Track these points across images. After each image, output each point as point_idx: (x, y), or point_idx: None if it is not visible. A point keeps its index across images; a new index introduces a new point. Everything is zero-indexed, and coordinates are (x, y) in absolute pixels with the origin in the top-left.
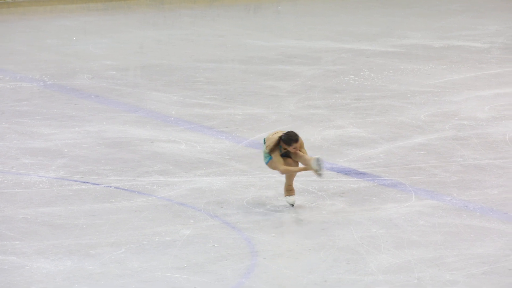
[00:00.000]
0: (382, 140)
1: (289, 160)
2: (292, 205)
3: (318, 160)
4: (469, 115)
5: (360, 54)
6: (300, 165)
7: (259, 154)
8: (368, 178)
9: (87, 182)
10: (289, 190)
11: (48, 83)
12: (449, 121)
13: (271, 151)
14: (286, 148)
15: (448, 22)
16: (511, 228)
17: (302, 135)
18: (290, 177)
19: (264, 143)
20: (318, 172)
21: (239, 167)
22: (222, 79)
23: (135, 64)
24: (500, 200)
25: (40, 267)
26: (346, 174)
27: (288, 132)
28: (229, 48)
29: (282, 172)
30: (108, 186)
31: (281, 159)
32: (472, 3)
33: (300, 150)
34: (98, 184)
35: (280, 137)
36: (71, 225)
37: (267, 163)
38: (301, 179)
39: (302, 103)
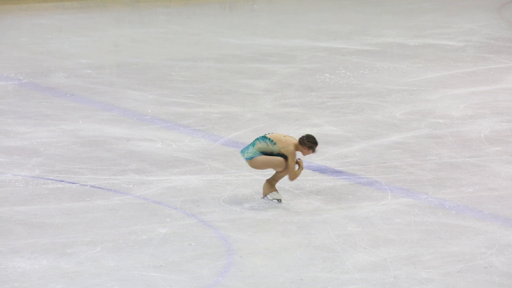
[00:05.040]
0: (358, 139)
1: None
2: (280, 200)
3: None
4: (444, 113)
5: (335, 52)
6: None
7: (236, 152)
8: (344, 177)
9: (62, 181)
10: (274, 186)
11: (23, 81)
12: (425, 119)
13: (290, 154)
14: (304, 151)
15: (422, 20)
16: (487, 226)
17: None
18: (280, 177)
19: (264, 140)
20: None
21: (215, 165)
22: (198, 77)
23: (111, 63)
24: (476, 198)
25: (16, 266)
26: (322, 172)
27: (308, 135)
28: (204, 47)
29: (293, 178)
30: (84, 185)
31: (294, 165)
32: (444, 1)
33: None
34: (74, 183)
35: (303, 140)
36: (46, 224)
37: (250, 158)
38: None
39: (278, 101)
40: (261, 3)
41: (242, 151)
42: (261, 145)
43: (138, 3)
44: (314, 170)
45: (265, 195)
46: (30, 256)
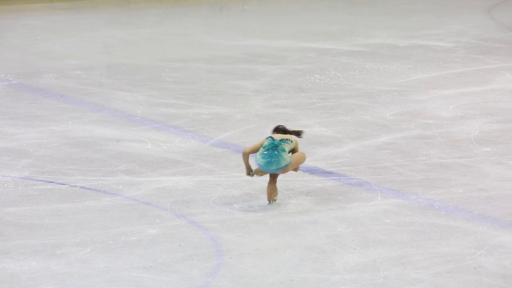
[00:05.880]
0: (348, 139)
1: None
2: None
3: None
4: (434, 114)
5: (325, 53)
6: None
7: (226, 153)
8: (334, 177)
9: (52, 182)
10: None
11: (13, 82)
12: (415, 120)
13: (297, 143)
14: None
15: (413, 21)
16: (476, 226)
17: (268, 134)
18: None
19: (285, 141)
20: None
21: (205, 166)
22: (188, 78)
23: (101, 64)
24: (465, 198)
25: (5, 267)
26: (312, 173)
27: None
28: (195, 47)
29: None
30: (73, 186)
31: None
32: (436, 2)
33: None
34: (63, 184)
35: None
36: (36, 225)
37: (285, 166)
38: (267, 178)
39: (268, 102)
40: (252, 4)
41: (271, 162)
42: (288, 146)
43: (128, 4)
44: (304, 171)
45: (273, 199)
46: (20, 257)
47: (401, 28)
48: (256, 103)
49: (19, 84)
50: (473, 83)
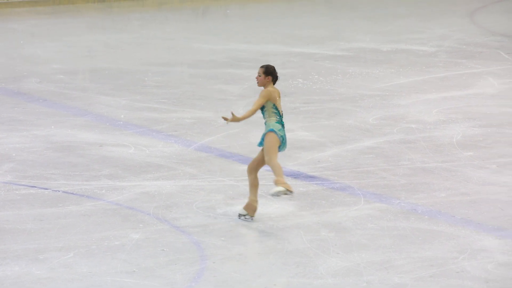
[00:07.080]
0: (331, 144)
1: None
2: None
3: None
4: (417, 118)
5: (308, 57)
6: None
7: (209, 158)
8: (317, 182)
9: (35, 187)
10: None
11: None
12: (397, 124)
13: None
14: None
15: (396, 25)
16: (459, 231)
17: (251, 139)
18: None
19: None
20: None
21: (189, 171)
22: (171, 83)
23: (84, 68)
24: (448, 203)
25: None
26: (295, 177)
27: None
28: (178, 52)
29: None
30: (56, 191)
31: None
32: (418, 7)
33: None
34: (46, 189)
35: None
36: (19, 229)
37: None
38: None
39: (251, 106)
40: (234, 8)
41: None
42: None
43: (111, 8)
44: (287, 175)
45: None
46: (2, 262)
47: (384, 33)
48: (240, 108)
49: (1, 88)
50: (455, 88)
